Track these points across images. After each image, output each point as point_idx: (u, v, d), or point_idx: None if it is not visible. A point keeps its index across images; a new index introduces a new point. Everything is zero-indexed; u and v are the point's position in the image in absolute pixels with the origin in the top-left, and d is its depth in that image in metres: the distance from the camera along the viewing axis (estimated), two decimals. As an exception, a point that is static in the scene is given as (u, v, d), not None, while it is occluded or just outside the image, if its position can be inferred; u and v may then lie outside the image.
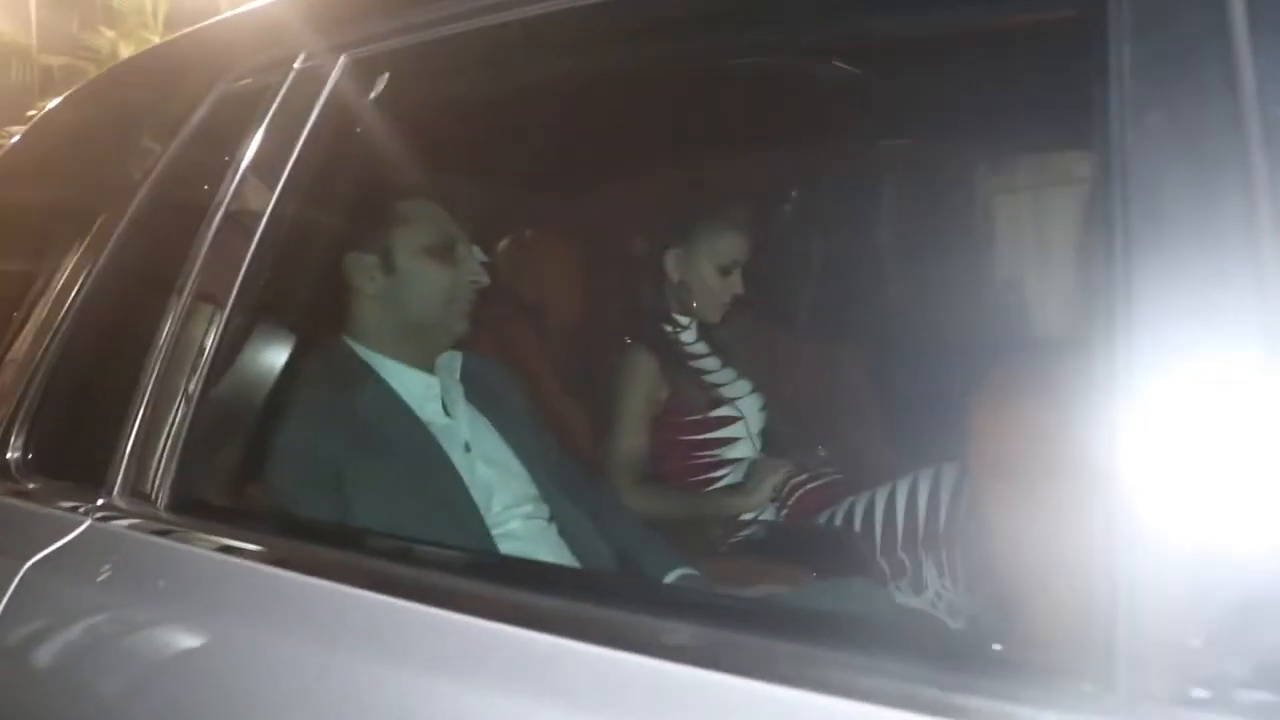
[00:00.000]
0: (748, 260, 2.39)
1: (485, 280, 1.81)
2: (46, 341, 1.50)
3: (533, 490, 1.80)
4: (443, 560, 1.21)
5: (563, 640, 0.87)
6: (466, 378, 1.85)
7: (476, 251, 1.90)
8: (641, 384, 2.32)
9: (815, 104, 2.14)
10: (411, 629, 0.98)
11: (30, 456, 1.51)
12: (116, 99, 1.76)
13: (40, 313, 1.51)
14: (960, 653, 0.81)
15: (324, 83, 1.24)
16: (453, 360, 1.84)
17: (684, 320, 2.40)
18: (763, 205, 2.80)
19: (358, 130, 1.24)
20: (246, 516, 1.29)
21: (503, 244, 2.50)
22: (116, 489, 1.33)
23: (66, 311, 1.48)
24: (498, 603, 0.96)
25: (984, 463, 1.10)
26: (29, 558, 1.31)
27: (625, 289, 2.42)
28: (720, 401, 2.38)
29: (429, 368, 1.80)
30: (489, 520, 1.68)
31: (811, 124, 2.30)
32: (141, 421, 1.32)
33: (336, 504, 1.56)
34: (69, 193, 1.72)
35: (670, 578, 1.82)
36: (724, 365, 2.45)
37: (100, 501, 1.34)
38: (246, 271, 1.25)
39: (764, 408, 2.45)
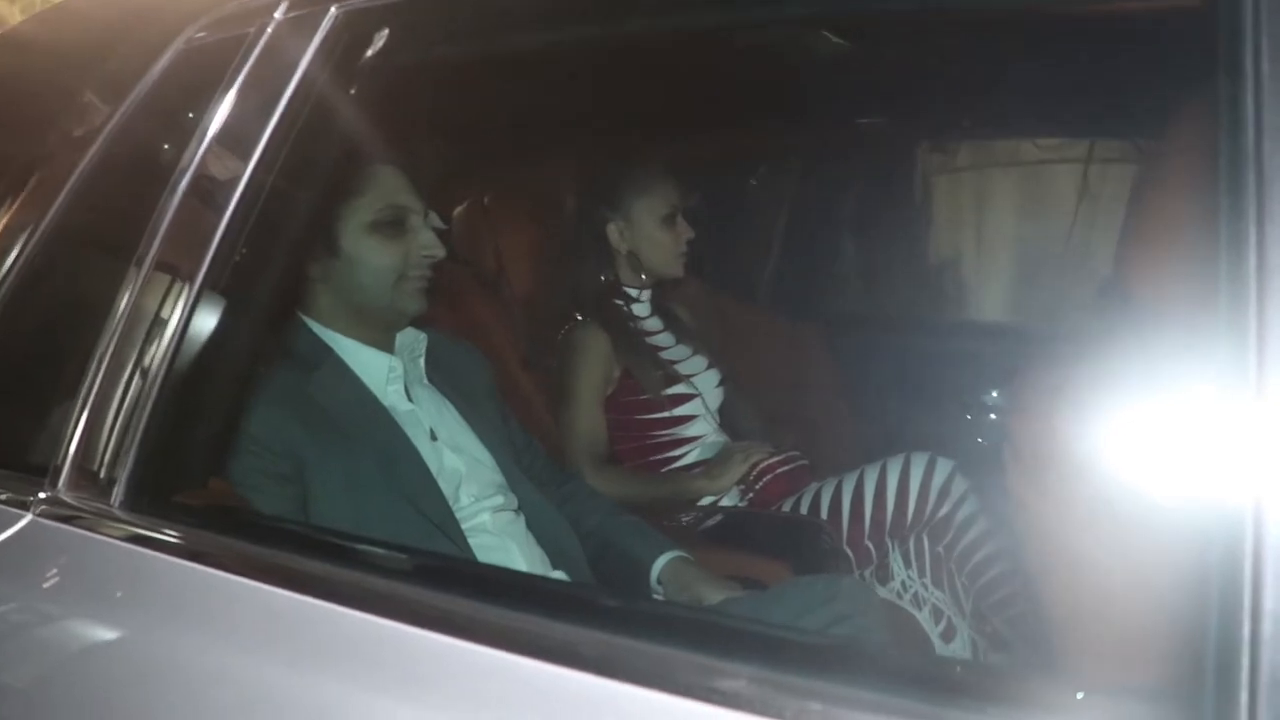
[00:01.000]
0: (701, 232, 2.33)
1: (440, 252, 1.67)
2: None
3: (500, 479, 1.70)
4: (425, 572, 1.11)
5: (563, 670, 0.79)
6: (430, 358, 1.73)
7: (434, 218, 1.78)
8: (594, 362, 2.24)
9: (800, 79, 2.06)
10: (393, 649, 0.89)
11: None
12: (53, 46, 1.59)
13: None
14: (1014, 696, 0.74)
15: (310, 37, 1.11)
16: (416, 340, 1.72)
17: (636, 293, 2.32)
18: (720, 176, 2.73)
19: (350, 93, 1.11)
20: (213, 515, 1.17)
21: (459, 210, 2.38)
22: (64, 481, 1.20)
23: (1, 282, 1.33)
24: (481, 623, 0.88)
25: (1033, 467, 1.02)
26: (-39, 557, 1.18)
27: (573, 265, 2.32)
28: (676, 378, 2.31)
29: (388, 348, 1.68)
30: (458, 513, 1.58)
31: (791, 99, 2.22)
32: (92, 406, 1.19)
33: (298, 497, 1.45)
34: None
35: (662, 561, 1.74)
36: (678, 341, 2.38)
37: (45, 495, 1.20)
38: (218, 244, 1.12)
39: (721, 384, 2.38)
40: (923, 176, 2.76)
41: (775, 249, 2.78)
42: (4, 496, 1.24)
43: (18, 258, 1.33)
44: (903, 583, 2.16)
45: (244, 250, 1.13)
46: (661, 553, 1.76)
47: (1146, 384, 0.82)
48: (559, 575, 1.65)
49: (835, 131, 2.60)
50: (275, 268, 1.19)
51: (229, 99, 1.18)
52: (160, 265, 1.18)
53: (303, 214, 1.20)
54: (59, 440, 1.22)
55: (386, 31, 1.09)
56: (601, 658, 0.77)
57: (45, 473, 1.22)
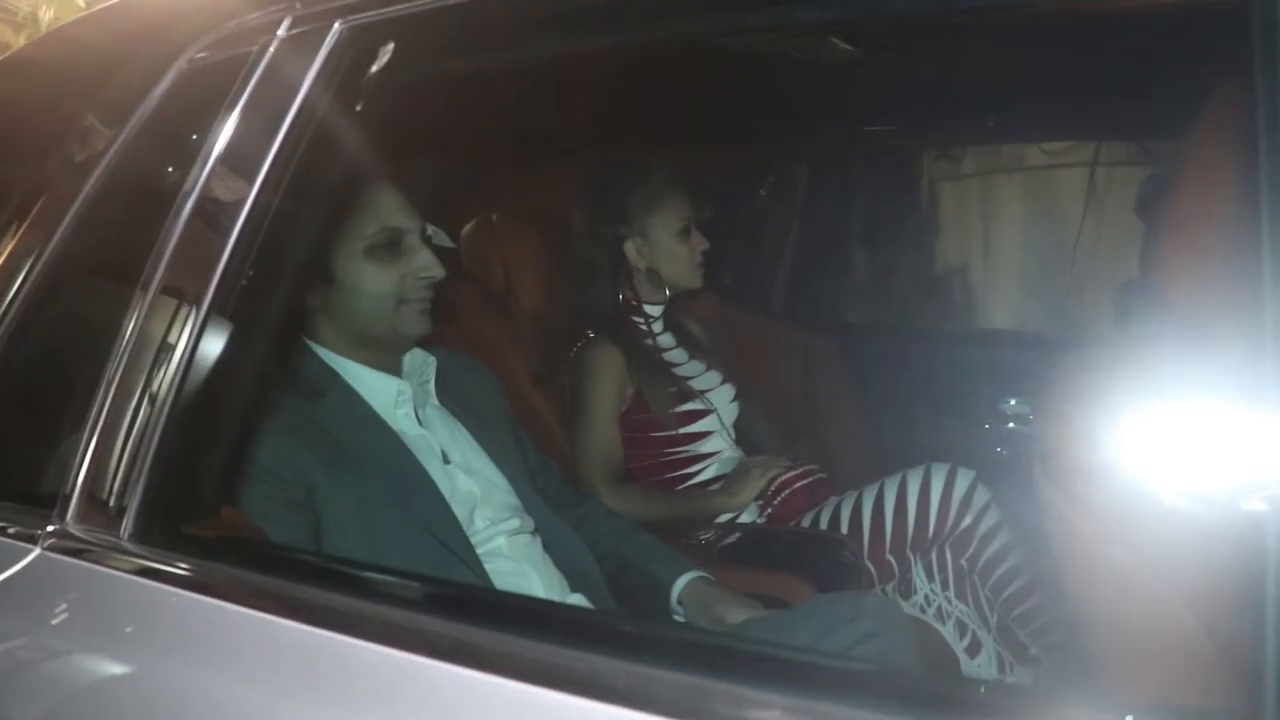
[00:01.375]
0: (714, 246, 2.30)
1: (439, 272, 1.61)
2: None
3: (515, 501, 1.66)
4: (443, 601, 1.08)
5: (592, 703, 0.76)
6: (440, 379, 1.70)
7: (441, 235, 1.75)
8: (608, 379, 2.21)
9: (809, 85, 2.04)
10: (412, 683, 0.86)
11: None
12: (57, 70, 1.56)
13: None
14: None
15: (314, 55, 1.08)
16: (424, 362, 1.68)
17: (653, 311, 2.30)
18: (730, 187, 2.71)
19: (356, 111, 1.08)
20: (224, 546, 1.14)
21: (467, 228, 2.36)
22: (71, 514, 1.17)
23: (5, 310, 1.30)
24: (503, 654, 0.84)
25: (1067, 477, 0.98)
26: (-33, 594, 1.15)
27: (585, 285, 2.30)
28: (690, 394, 2.28)
29: (396, 371, 1.65)
30: (473, 538, 1.55)
31: (800, 107, 2.20)
32: (100, 437, 1.16)
33: (311, 525, 1.42)
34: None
35: (682, 582, 1.70)
36: (691, 357, 2.35)
37: (52, 528, 1.18)
38: (224, 269, 1.09)
39: (735, 399, 2.35)
40: (931, 183, 2.74)
41: (786, 259, 2.75)
42: (12, 530, 1.22)
43: (21, 286, 1.30)
44: (926, 597, 2.13)
45: (250, 273, 1.10)
46: (681, 573, 1.73)
47: (1186, 388, 0.79)
48: (578, 599, 1.62)
49: (844, 139, 2.58)
50: (282, 291, 1.16)
51: (232, 119, 1.15)
52: (166, 291, 1.15)
53: (309, 235, 1.17)
54: (66, 472, 1.19)
55: (391, 46, 1.07)
56: (631, 689, 0.74)
57: (53, 505, 1.19)
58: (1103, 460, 0.94)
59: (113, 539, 1.12)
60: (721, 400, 2.32)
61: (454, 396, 1.71)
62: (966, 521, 2.11)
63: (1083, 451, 0.98)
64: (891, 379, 2.57)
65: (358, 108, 1.07)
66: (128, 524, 1.11)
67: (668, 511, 2.16)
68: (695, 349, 2.38)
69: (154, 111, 1.27)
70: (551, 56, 1.24)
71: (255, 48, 1.16)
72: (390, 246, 1.58)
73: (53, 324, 1.34)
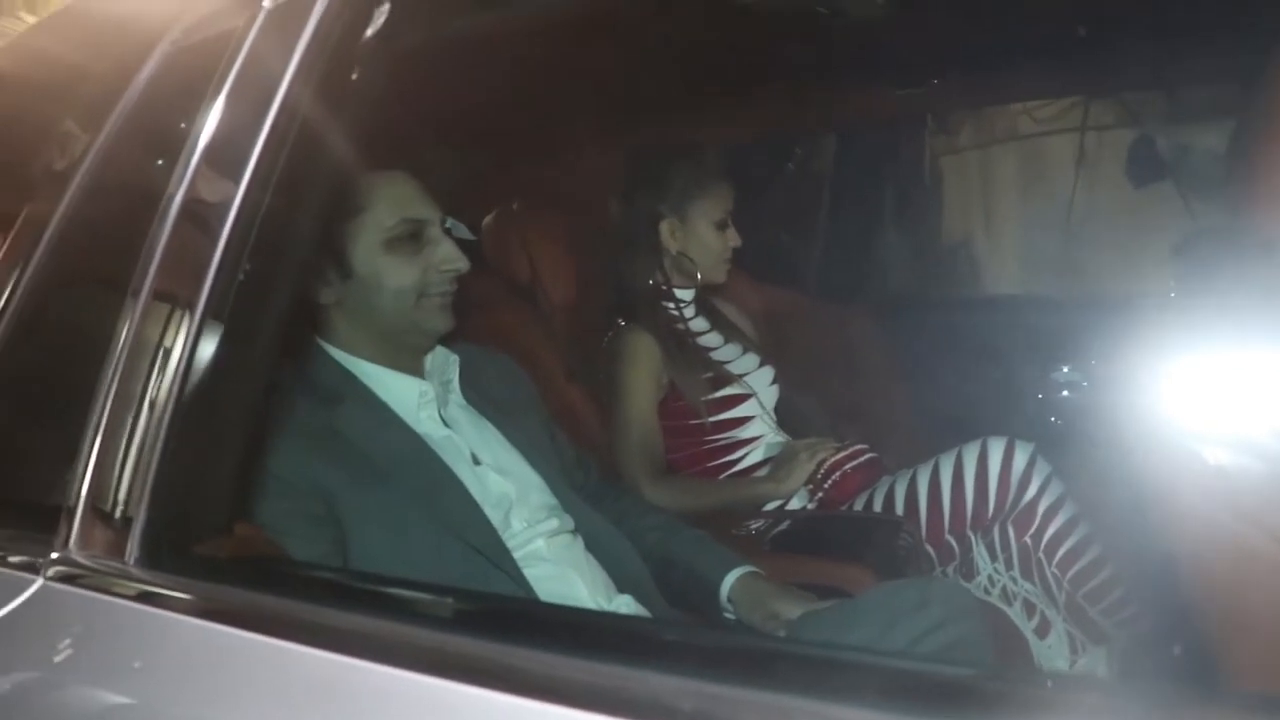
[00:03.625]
0: (744, 222, 2.21)
1: (463, 264, 1.54)
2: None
3: (552, 500, 1.57)
4: (483, 619, 0.98)
5: None
6: (464, 377, 1.61)
7: (460, 228, 1.65)
8: (645, 368, 2.12)
9: (837, 47, 1.93)
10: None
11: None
12: (28, 73, 1.48)
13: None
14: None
15: (304, 23, 0.99)
16: (446, 360, 1.59)
17: (685, 295, 2.20)
18: (759, 161, 2.61)
19: (351, 84, 0.99)
20: (238, 567, 1.05)
21: (487, 219, 2.26)
22: (74, 540, 1.09)
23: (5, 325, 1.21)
24: (553, 677, 0.74)
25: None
26: (-32, 631, 1.07)
27: (619, 267, 2.20)
28: (728, 379, 2.19)
29: (417, 371, 1.56)
30: (510, 542, 1.45)
31: (829, 70, 2.09)
32: (99, 458, 1.08)
33: (336, 539, 1.33)
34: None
35: (731, 579, 1.60)
36: (727, 340, 2.26)
37: (54, 555, 1.09)
38: (218, 267, 1.00)
39: (774, 381, 2.25)
40: (961, 149, 2.63)
41: (819, 233, 2.64)
42: (15, 560, 1.13)
43: (8, 302, 1.22)
44: (989, 577, 2.02)
45: (248, 268, 1.01)
46: (729, 569, 1.63)
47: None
48: (624, 600, 1.52)
49: (876, 104, 2.46)
50: (283, 287, 1.06)
51: (220, 103, 1.06)
52: (159, 294, 1.06)
53: (308, 226, 1.07)
54: (67, 495, 1.10)
55: (388, 7, 0.97)
56: (701, 712, 0.64)
57: (54, 530, 1.10)
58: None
59: (118, 564, 1.03)
60: (760, 383, 2.22)
61: (480, 393, 1.62)
62: (1028, 496, 2.01)
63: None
64: (936, 351, 2.46)
65: (354, 81, 0.97)
66: (133, 547, 1.02)
67: (714, 502, 2.07)
68: (730, 332, 2.29)
69: (137, 103, 1.18)
70: (572, 12, 1.14)
71: (240, 23, 1.07)
72: (411, 239, 1.50)
73: (42, 337, 1.25)
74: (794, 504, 2.11)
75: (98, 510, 1.07)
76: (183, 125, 1.09)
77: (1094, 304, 2.47)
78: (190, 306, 1.02)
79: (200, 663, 0.92)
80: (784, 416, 2.26)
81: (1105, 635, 2.02)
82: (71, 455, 1.10)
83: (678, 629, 1.34)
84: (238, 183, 1.00)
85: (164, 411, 1.02)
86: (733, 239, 2.18)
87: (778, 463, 2.11)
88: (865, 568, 1.77)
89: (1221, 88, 2.25)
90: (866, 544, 1.88)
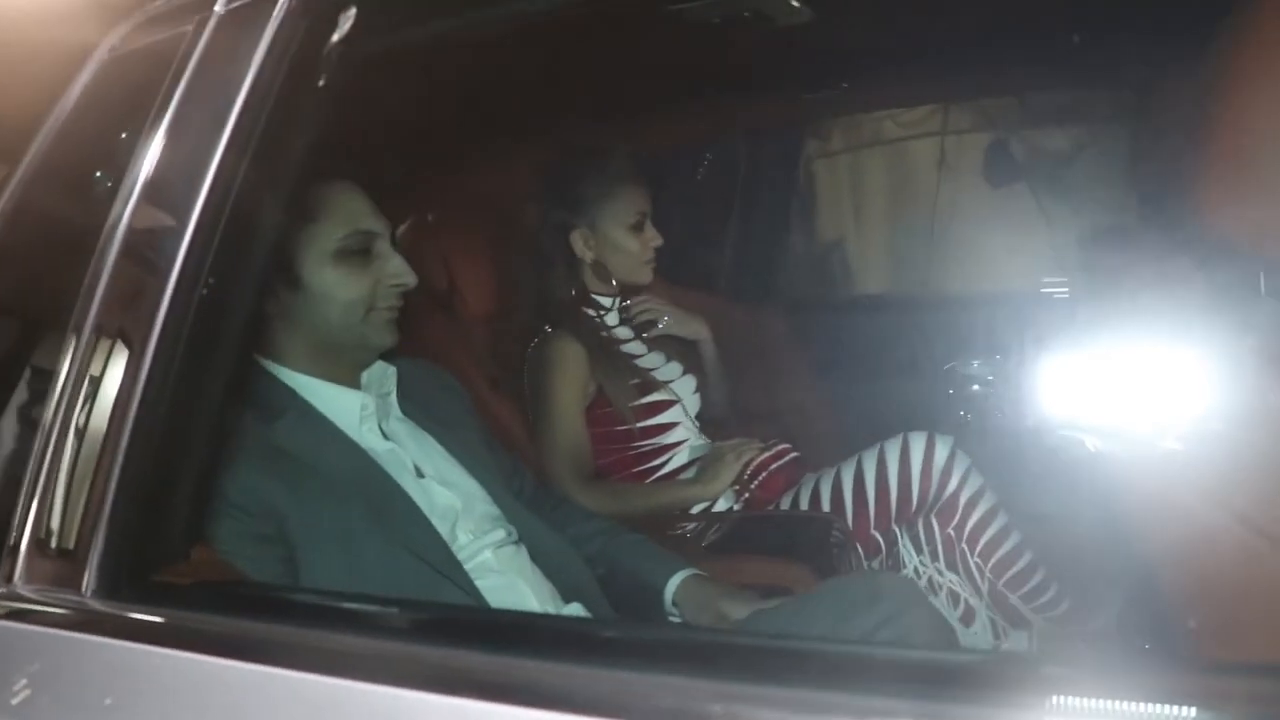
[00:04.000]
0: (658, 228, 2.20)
1: (412, 279, 1.51)
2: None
3: (495, 510, 1.55)
4: (447, 628, 0.97)
5: None
6: (400, 389, 1.58)
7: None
8: (571, 374, 2.11)
9: (754, 50, 1.96)
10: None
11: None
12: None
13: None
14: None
15: (262, 29, 0.95)
16: (384, 373, 1.55)
17: (606, 302, 2.20)
18: (667, 166, 2.62)
19: (313, 95, 0.95)
20: (204, 592, 1.01)
21: (402, 229, 2.22)
22: (20, 572, 1.03)
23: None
24: (524, 682, 0.75)
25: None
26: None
27: (537, 275, 2.19)
28: (653, 386, 2.19)
29: (356, 384, 1.52)
30: (459, 555, 1.43)
31: (743, 74, 2.11)
32: (45, 484, 1.02)
33: (285, 562, 1.29)
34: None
35: (675, 581, 1.61)
36: (650, 348, 2.26)
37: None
38: (174, 288, 0.96)
39: (698, 390, 2.26)
40: (871, 147, 2.69)
41: (730, 235, 2.67)
42: (-51, 599, 1.07)
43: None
44: (915, 569, 2.07)
45: (208, 286, 0.97)
46: (673, 572, 1.63)
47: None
48: (573, 608, 1.52)
49: (785, 106, 2.50)
50: (243, 303, 1.03)
51: (168, 117, 1.01)
52: (107, 312, 1.01)
53: (267, 240, 1.04)
54: (8, 529, 1.04)
55: (353, 13, 0.94)
56: (670, 710, 0.65)
57: (-3, 567, 1.05)
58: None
59: (74, 597, 0.98)
60: (685, 390, 2.23)
61: (417, 405, 1.59)
62: (950, 488, 2.06)
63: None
64: (849, 350, 2.51)
65: (314, 91, 0.94)
66: (90, 577, 0.98)
67: (643, 506, 2.07)
68: (653, 339, 2.29)
69: (69, 120, 1.12)
70: (502, 20, 1.12)
71: (190, 27, 1.03)
72: (361, 252, 1.47)
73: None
74: (721, 505, 2.13)
75: (44, 543, 1.02)
76: (124, 139, 1.04)
77: (993, 300, 2.54)
78: (144, 329, 0.97)
79: (178, 693, 0.88)
80: (706, 421, 2.27)
81: (1025, 620, 2.09)
82: (11, 486, 1.04)
83: (629, 627, 1.34)
84: (193, 198, 0.95)
85: (119, 436, 0.97)
86: (652, 238, 2.17)
87: (704, 464, 2.12)
88: (803, 566, 1.79)
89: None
90: (800, 542, 1.91)
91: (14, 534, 1.04)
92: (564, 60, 1.68)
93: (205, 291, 0.97)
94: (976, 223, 2.74)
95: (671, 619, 1.62)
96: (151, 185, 1.01)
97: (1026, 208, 2.64)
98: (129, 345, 0.99)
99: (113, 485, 0.97)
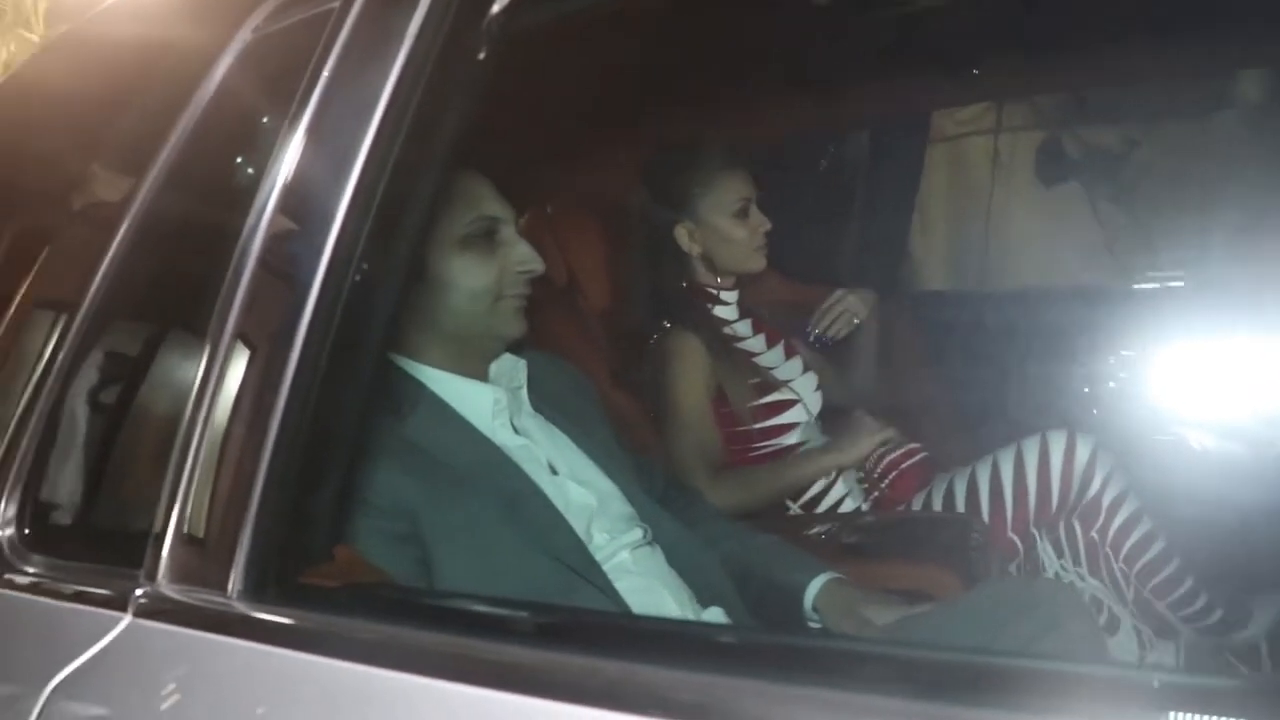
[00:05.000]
0: (774, 221, 2.13)
1: (539, 266, 1.47)
2: (34, 390, 1.14)
3: (629, 509, 1.49)
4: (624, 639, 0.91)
5: None
6: (529, 383, 1.53)
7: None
8: (694, 367, 2.05)
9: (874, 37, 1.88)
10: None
11: (28, 532, 1.15)
12: (79, 72, 1.38)
13: (32, 351, 1.15)
14: None
15: (414, 5, 0.91)
16: (514, 366, 1.51)
17: (726, 297, 2.13)
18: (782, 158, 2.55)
19: (472, 70, 0.90)
20: (358, 599, 0.97)
21: (519, 222, 2.18)
22: (164, 570, 1.00)
23: (67, 351, 1.12)
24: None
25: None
26: (49, 678, 0.98)
27: (648, 270, 2.14)
28: (773, 385, 2.12)
29: (484, 378, 1.48)
30: (595, 555, 1.38)
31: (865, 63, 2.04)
32: (190, 482, 0.99)
33: (419, 562, 1.25)
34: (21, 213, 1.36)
35: (816, 586, 1.53)
36: (771, 345, 2.18)
37: (141, 591, 1.00)
38: (321, 285, 0.91)
39: (819, 388, 2.18)
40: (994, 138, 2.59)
41: (852, 230, 2.59)
42: (94, 595, 1.04)
43: (75, 328, 1.12)
44: (1056, 575, 1.97)
45: (353, 284, 0.92)
46: (812, 576, 1.56)
47: None
48: (714, 612, 1.45)
49: (907, 95, 2.41)
50: (390, 295, 0.98)
51: (316, 99, 0.97)
52: (252, 309, 0.98)
53: (415, 234, 0.99)
54: (153, 523, 1.01)
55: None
56: None
57: (139, 562, 1.02)
58: None
59: (219, 599, 0.95)
60: (805, 389, 2.16)
61: (547, 400, 1.54)
62: (1093, 490, 1.96)
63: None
64: (974, 346, 2.41)
65: (474, 67, 0.89)
66: (236, 579, 0.94)
67: (779, 484, 2.02)
68: (774, 335, 2.22)
69: (211, 105, 1.09)
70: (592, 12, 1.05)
71: (337, 3, 0.98)
72: (487, 237, 1.42)
73: (119, 361, 1.16)
74: (849, 505, 2.06)
75: (191, 540, 0.99)
76: (268, 124, 1.00)
77: (1120, 296, 2.44)
78: (289, 324, 0.93)
79: (335, 703, 0.84)
80: (828, 421, 2.19)
81: (1173, 629, 1.98)
82: (158, 485, 1.01)
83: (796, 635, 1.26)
84: (344, 185, 0.91)
85: (262, 437, 0.93)
86: (760, 224, 2.10)
87: (841, 433, 2.04)
88: (944, 570, 1.71)
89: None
90: (939, 545, 1.82)
91: (156, 531, 1.01)
92: (681, 45, 1.62)
93: (353, 285, 0.93)
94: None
95: (811, 624, 1.55)
96: (297, 174, 0.96)
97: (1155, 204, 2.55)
98: (273, 341, 0.95)
99: (259, 485, 0.93)
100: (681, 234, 2.09)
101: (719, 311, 2.14)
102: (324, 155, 0.95)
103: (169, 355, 1.09)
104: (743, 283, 2.17)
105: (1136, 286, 2.59)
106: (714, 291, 2.13)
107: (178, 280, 1.11)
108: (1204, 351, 1.98)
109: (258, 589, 0.94)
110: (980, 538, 1.85)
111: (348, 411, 0.98)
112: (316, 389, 0.93)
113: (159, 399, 1.05)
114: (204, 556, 0.97)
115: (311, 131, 0.96)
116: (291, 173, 0.97)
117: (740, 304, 2.18)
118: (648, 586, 1.40)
